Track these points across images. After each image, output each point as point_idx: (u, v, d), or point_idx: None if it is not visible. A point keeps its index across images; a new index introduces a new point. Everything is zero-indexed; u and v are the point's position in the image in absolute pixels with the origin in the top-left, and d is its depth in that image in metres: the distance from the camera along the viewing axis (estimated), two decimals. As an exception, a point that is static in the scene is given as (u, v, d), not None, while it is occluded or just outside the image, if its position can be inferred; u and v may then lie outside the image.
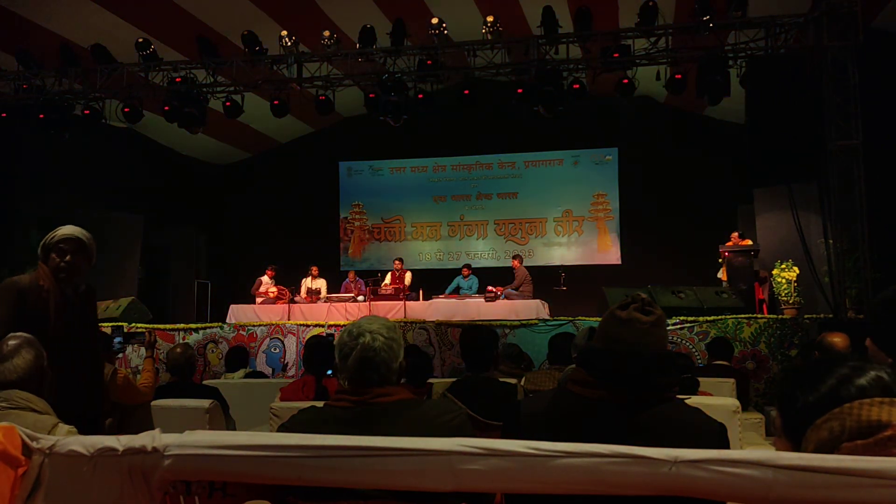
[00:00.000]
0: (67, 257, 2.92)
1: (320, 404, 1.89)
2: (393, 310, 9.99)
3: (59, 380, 2.77)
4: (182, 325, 8.68)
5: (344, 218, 14.19)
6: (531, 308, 9.62)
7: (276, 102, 9.44)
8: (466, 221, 13.76)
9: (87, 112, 9.55)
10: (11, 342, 2.49)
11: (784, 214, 8.62)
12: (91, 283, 3.07)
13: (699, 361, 6.74)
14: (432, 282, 11.56)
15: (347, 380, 1.86)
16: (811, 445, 1.14)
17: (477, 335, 3.70)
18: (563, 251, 13.23)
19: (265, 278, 11.14)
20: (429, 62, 8.99)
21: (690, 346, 7.31)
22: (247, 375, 6.14)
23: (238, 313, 10.30)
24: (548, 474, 1.11)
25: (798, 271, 8.61)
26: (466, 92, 9.05)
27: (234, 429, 4.33)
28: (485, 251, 13.59)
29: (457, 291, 11.07)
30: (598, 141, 13.03)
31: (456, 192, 13.78)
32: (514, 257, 11.27)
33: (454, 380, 3.76)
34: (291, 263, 11.76)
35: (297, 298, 10.77)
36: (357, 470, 1.18)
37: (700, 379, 4.14)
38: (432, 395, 4.05)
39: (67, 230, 2.97)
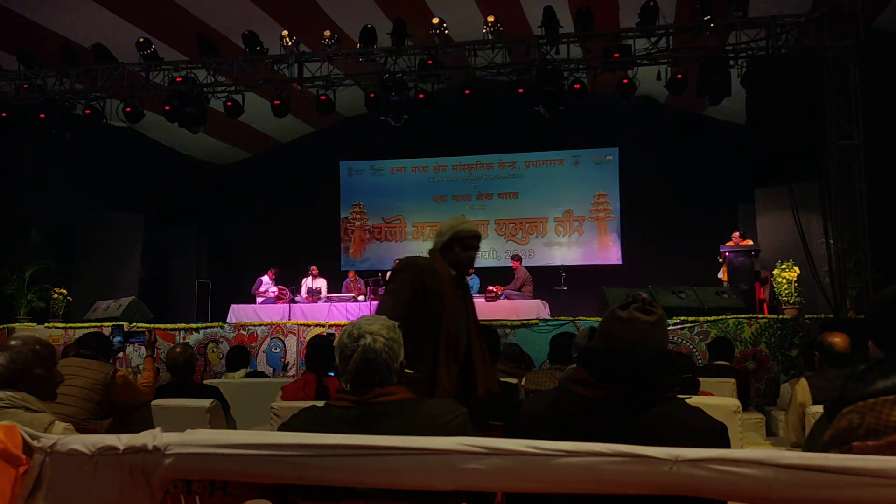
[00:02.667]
0: (471, 253, 3.03)
1: (321, 404, 1.89)
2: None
3: (454, 364, 2.83)
4: (182, 325, 8.68)
5: (344, 218, 14.19)
6: (532, 308, 9.62)
7: (276, 102, 9.43)
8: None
9: (87, 112, 9.54)
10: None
11: (785, 214, 8.61)
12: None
13: (700, 361, 6.73)
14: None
15: (349, 381, 1.86)
16: (829, 432, 1.14)
17: None
18: (563, 251, 13.22)
19: (266, 278, 11.14)
20: (429, 62, 8.98)
21: (691, 346, 7.31)
22: (247, 375, 6.13)
23: (239, 313, 10.31)
24: (549, 473, 1.11)
25: (798, 271, 8.60)
26: (467, 92, 9.05)
27: (235, 428, 4.32)
28: (485, 251, 13.57)
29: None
30: (598, 141, 13.02)
31: (456, 192, 13.77)
32: (514, 258, 11.27)
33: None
34: (292, 263, 11.76)
35: (297, 298, 10.77)
36: (358, 469, 1.18)
37: (701, 379, 4.14)
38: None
39: (475, 227, 3.10)
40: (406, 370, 2.71)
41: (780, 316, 7.91)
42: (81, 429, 3.17)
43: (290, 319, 9.45)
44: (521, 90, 8.89)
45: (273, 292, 10.95)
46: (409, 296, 2.82)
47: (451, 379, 2.79)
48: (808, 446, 2.01)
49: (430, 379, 2.77)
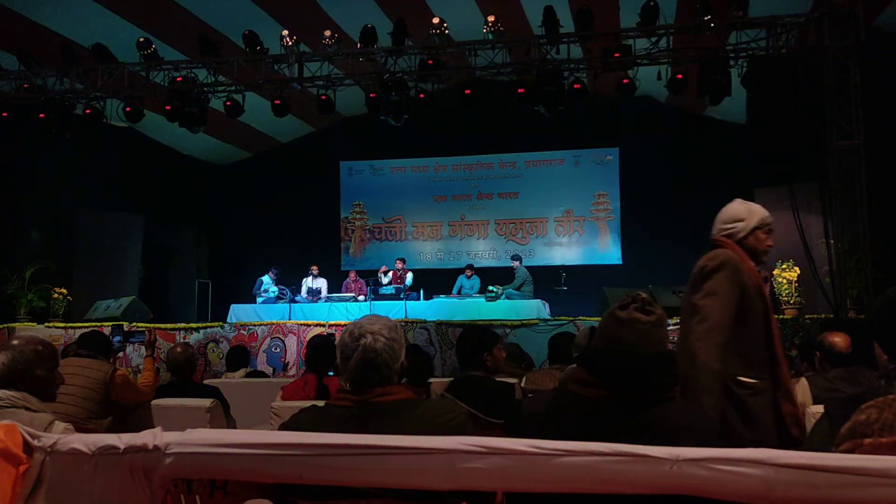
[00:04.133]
0: (772, 239, 2.68)
1: (321, 403, 1.90)
2: (394, 309, 9.99)
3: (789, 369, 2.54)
4: (183, 325, 8.69)
5: (345, 218, 14.19)
6: (532, 308, 9.62)
7: (276, 102, 9.43)
8: (467, 221, 13.75)
9: (87, 111, 9.55)
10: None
11: (785, 214, 8.60)
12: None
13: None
14: (433, 282, 11.56)
15: (349, 380, 1.86)
16: (848, 424, 1.15)
17: (466, 337, 3.76)
18: (563, 251, 13.22)
19: (266, 278, 11.14)
20: (430, 62, 8.98)
21: (691, 346, 7.30)
22: (247, 375, 6.14)
23: (239, 313, 10.31)
24: (549, 473, 1.11)
25: (799, 271, 8.60)
26: (468, 92, 9.04)
27: (235, 428, 4.32)
28: (485, 251, 13.59)
29: (459, 290, 11.11)
30: (598, 141, 13.01)
31: (457, 192, 13.77)
32: (514, 258, 11.27)
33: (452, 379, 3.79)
34: (292, 263, 11.77)
35: (297, 298, 10.77)
36: (358, 469, 1.18)
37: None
38: (431, 394, 4.06)
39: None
40: (742, 378, 2.46)
41: (781, 316, 7.90)
42: (81, 428, 3.17)
43: (290, 319, 9.45)
44: (521, 90, 8.88)
45: (273, 292, 10.96)
46: (735, 295, 2.50)
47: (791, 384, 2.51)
48: (809, 446, 2.01)
49: (773, 387, 2.51)
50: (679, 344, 2.63)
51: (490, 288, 10.35)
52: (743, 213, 2.70)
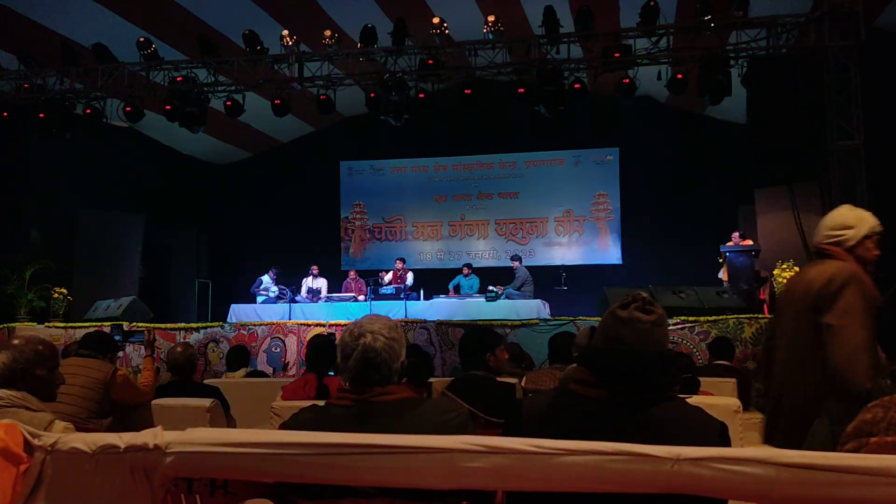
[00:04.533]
0: (878, 250, 2.57)
1: (321, 403, 1.90)
2: (394, 309, 9.99)
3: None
4: (183, 325, 8.68)
5: (345, 217, 14.19)
6: (532, 308, 9.62)
7: (277, 102, 9.43)
8: (467, 221, 13.75)
9: (88, 111, 9.55)
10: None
11: (785, 215, 8.61)
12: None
13: (700, 361, 6.73)
14: (433, 282, 11.57)
15: (349, 380, 1.86)
16: (854, 423, 1.15)
17: (469, 337, 3.77)
18: (563, 251, 13.23)
19: (266, 278, 11.14)
20: (430, 62, 8.99)
21: (691, 347, 7.31)
22: (247, 375, 6.13)
23: (239, 313, 10.31)
24: (550, 472, 1.11)
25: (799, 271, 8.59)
26: (468, 92, 9.05)
27: (235, 428, 4.32)
28: (485, 251, 13.59)
29: (457, 290, 11.10)
30: (598, 141, 13.02)
31: (457, 192, 13.77)
32: (514, 258, 11.27)
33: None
34: (292, 263, 11.77)
35: (297, 298, 10.77)
36: (359, 468, 1.18)
37: (701, 378, 4.14)
38: (432, 394, 4.06)
39: None
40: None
41: (781, 316, 7.88)
42: (81, 428, 3.17)
43: (290, 319, 9.45)
44: (521, 90, 8.89)
45: (273, 292, 10.96)
46: (867, 310, 2.40)
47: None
48: (809, 445, 2.01)
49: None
50: (799, 364, 2.54)
51: (490, 288, 10.35)
52: (852, 219, 2.58)
